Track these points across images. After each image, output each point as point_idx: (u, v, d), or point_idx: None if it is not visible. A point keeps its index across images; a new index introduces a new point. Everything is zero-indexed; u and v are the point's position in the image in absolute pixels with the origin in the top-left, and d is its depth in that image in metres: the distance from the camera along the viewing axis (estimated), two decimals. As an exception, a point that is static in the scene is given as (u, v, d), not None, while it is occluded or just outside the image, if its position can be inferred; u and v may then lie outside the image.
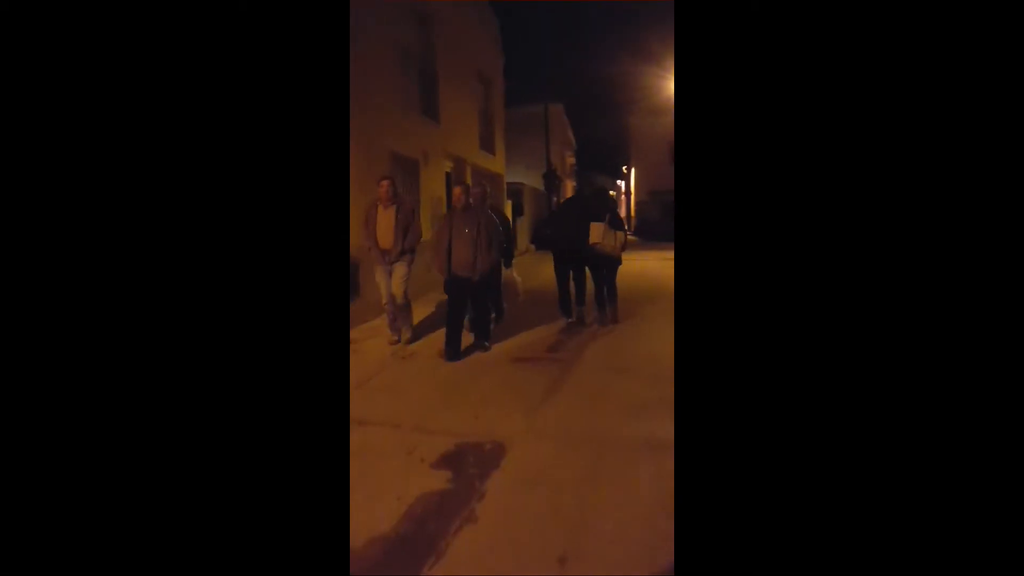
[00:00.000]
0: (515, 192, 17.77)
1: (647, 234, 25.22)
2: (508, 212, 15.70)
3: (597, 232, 5.86)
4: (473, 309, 5.40)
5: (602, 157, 42.69)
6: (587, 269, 6.22)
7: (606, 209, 6.12)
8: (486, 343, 5.37)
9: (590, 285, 6.29)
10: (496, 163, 14.64)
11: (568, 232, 5.95)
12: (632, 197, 31.86)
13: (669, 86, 21.28)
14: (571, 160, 40.35)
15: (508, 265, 6.25)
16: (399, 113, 8.51)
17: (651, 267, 12.87)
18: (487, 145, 13.85)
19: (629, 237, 7.37)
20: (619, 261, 6.23)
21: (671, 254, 15.00)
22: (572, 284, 6.27)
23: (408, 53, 8.89)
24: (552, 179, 20.22)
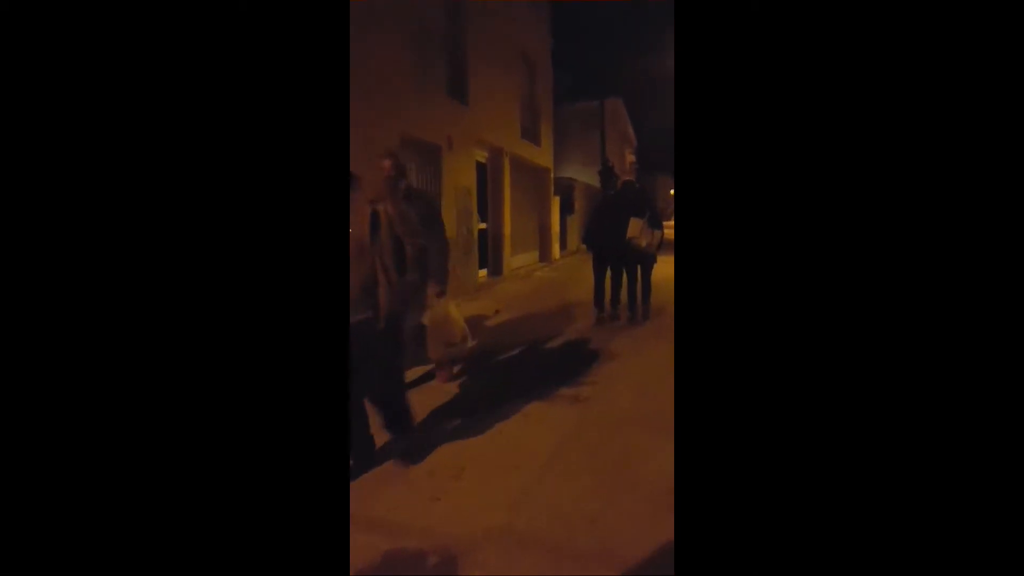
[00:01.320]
0: (565, 188, 16.62)
1: None
2: (555, 209, 14.88)
3: (635, 227, 5.89)
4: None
5: (663, 154, 41.20)
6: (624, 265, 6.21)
7: (646, 206, 6.10)
8: (409, 453, 2.88)
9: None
10: (542, 155, 13.43)
11: (607, 228, 5.99)
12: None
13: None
14: (631, 158, 39.27)
15: (440, 292, 3.69)
16: (413, 92, 7.40)
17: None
18: (530, 135, 12.65)
19: None
20: (654, 259, 6.21)
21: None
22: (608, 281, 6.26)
23: (426, 25, 7.79)
24: (608, 176, 19.02)
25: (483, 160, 10.16)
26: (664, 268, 6.73)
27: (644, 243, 5.93)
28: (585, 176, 20.30)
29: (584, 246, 7.37)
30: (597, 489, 2.53)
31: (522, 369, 4.58)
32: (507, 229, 10.64)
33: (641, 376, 4.23)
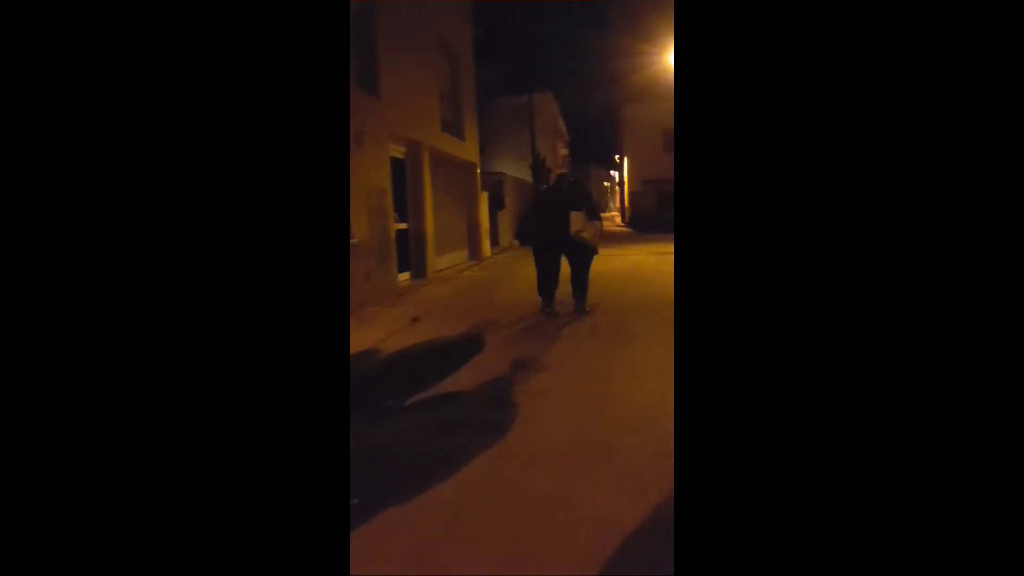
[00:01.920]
0: (495, 183, 16.11)
1: (641, 225, 24.37)
2: (484, 205, 14.34)
3: (578, 221, 6.04)
4: None
5: (595, 147, 41.47)
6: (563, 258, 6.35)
7: (582, 200, 6.24)
8: None
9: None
10: (466, 149, 12.84)
11: (544, 223, 6.18)
12: (625, 187, 30.62)
13: (661, 62, 19.61)
14: (563, 151, 39.22)
15: None
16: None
17: (645, 263, 11.10)
18: (453, 128, 12.03)
19: (623, 228, 8.30)
20: (595, 251, 6.37)
21: (667, 247, 13.49)
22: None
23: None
24: (540, 170, 18.91)
25: (400, 155, 9.50)
26: (599, 261, 6.78)
27: (588, 236, 6.10)
28: (518, 171, 19.91)
29: (516, 242, 7.36)
30: (508, 559, 2.00)
31: (440, 405, 4.02)
32: (429, 228, 10.01)
33: (574, 392, 3.75)
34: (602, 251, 6.59)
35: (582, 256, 6.26)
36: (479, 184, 13.89)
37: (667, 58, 18.75)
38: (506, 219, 16.43)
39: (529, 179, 19.10)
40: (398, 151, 9.37)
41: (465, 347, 5.13)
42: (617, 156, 35.86)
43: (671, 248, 13.23)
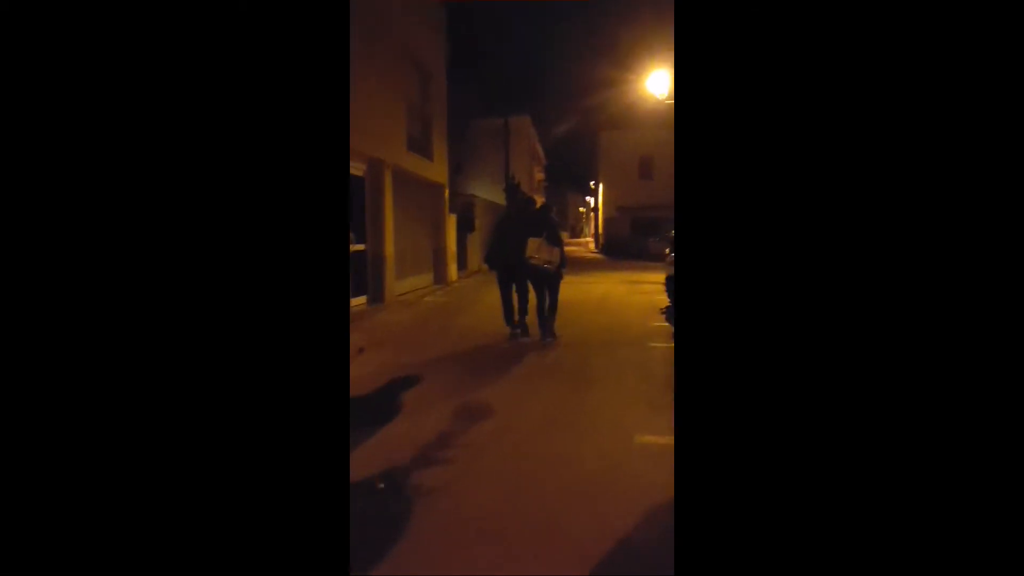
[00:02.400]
0: (465, 205, 15.67)
1: (615, 252, 24.13)
2: (452, 227, 13.86)
3: (532, 247, 6.00)
4: None
5: (571, 172, 41.50)
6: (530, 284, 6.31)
7: (545, 225, 6.18)
8: None
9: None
10: (434, 169, 12.37)
11: (509, 246, 6.12)
12: (600, 213, 30.50)
13: (638, 89, 19.54)
14: (540, 175, 39.13)
15: None
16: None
17: (615, 293, 10.69)
18: (421, 147, 11.58)
19: (597, 255, 8.13)
20: (559, 276, 6.29)
21: (639, 276, 13.11)
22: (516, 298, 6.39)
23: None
24: (514, 193, 18.54)
25: (360, 173, 9.01)
26: (566, 289, 6.66)
27: (543, 262, 6.02)
28: (494, 194, 19.54)
29: (486, 266, 7.12)
30: None
31: (361, 463, 3.48)
32: (389, 250, 9.47)
33: (517, 451, 3.25)
34: (572, 279, 6.62)
35: (545, 281, 6.21)
36: (447, 206, 13.41)
37: (644, 85, 18.67)
38: (476, 242, 15.96)
39: (504, 202, 18.77)
40: (358, 168, 8.88)
41: (406, 386, 4.61)
42: (592, 182, 35.88)
43: (643, 277, 12.94)
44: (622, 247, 23.99)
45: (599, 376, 4.82)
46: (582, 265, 17.96)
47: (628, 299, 9.75)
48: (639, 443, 3.30)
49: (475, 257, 15.73)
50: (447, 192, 13.41)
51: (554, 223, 6.45)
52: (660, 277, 7.26)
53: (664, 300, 6.65)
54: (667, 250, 7.14)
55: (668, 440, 3.21)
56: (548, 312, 6.29)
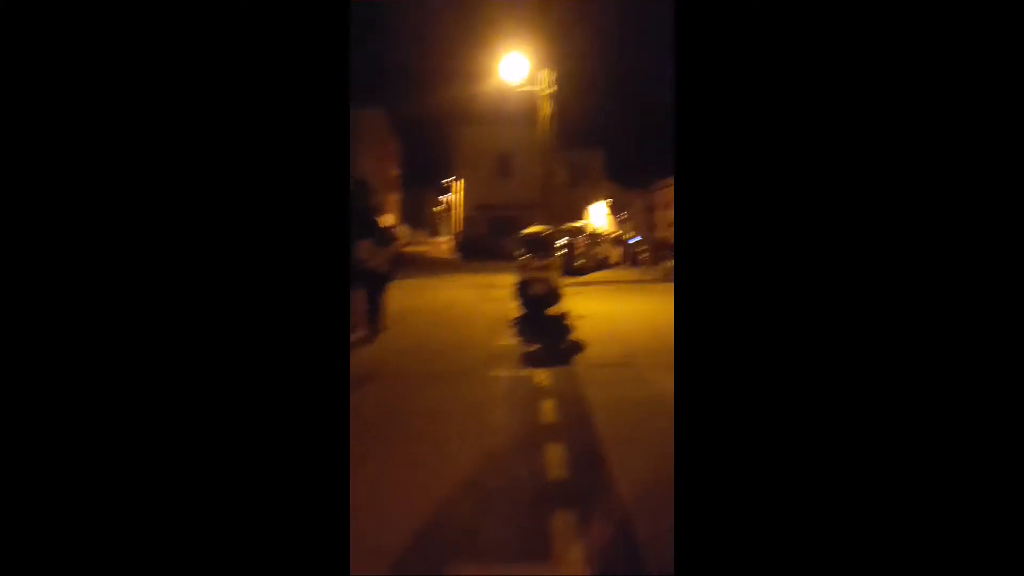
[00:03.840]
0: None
1: (473, 253, 23.32)
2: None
3: (361, 250, 6.00)
4: None
5: (429, 169, 40.20)
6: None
7: (373, 226, 6.37)
8: None
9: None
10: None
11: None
12: (458, 212, 29.41)
13: (494, 83, 18.50)
14: (395, 171, 37.33)
15: None
16: None
17: (463, 300, 9.38)
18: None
19: (452, 256, 7.98)
20: (387, 278, 6.33)
21: (493, 279, 11.60)
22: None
23: None
24: (362, 192, 17.03)
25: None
26: (404, 297, 6.36)
27: (372, 264, 6.03)
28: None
29: None
30: None
31: None
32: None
33: None
34: (417, 282, 6.26)
35: (372, 284, 6.12)
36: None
37: (499, 79, 17.65)
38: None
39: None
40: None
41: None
42: (450, 180, 34.85)
43: (497, 280, 11.26)
44: (480, 248, 23.09)
45: (420, 434, 3.41)
46: (434, 267, 16.64)
47: (476, 308, 8.48)
48: None
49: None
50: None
51: (383, 223, 6.42)
52: (513, 280, 6.02)
53: (516, 309, 5.49)
54: (520, 251, 6.11)
55: None
56: (378, 315, 6.23)
